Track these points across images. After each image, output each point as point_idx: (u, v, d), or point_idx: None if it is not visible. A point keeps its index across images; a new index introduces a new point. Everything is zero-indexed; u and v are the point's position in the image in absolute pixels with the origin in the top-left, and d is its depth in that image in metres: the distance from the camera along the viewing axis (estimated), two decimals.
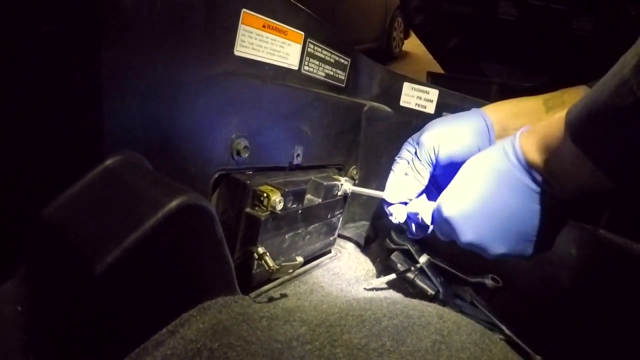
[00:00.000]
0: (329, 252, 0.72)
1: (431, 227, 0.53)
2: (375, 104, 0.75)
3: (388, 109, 0.75)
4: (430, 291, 0.63)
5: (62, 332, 0.34)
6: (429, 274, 0.63)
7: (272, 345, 0.35)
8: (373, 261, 0.72)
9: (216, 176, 0.50)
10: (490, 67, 1.18)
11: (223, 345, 0.34)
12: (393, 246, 0.68)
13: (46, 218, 0.36)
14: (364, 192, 0.64)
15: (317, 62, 0.62)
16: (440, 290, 0.62)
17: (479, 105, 0.57)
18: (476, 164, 0.46)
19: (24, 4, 0.37)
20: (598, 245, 0.53)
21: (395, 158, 0.57)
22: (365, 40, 3.92)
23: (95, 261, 0.31)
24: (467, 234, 0.45)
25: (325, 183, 0.60)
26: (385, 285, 0.66)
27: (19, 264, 0.37)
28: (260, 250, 0.51)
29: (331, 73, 0.66)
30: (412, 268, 0.64)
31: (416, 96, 0.73)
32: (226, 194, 0.53)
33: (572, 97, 0.51)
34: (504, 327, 0.55)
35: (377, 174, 0.76)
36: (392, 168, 0.57)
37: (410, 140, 0.57)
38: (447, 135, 0.52)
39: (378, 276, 0.69)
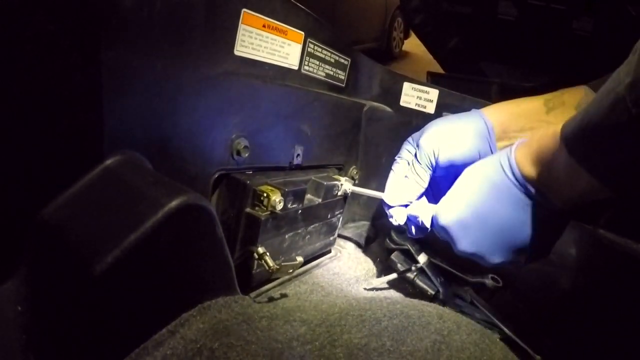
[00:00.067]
0: (329, 252, 0.72)
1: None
2: (375, 104, 0.75)
3: (388, 109, 0.75)
4: (430, 291, 0.63)
5: (62, 332, 0.34)
6: (429, 274, 0.63)
7: (272, 345, 0.35)
8: (373, 261, 0.72)
9: (216, 176, 0.50)
10: (490, 67, 1.18)
11: (223, 345, 0.34)
12: (393, 246, 0.68)
13: (46, 218, 0.36)
14: (364, 192, 0.64)
15: (317, 62, 0.62)
16: (440, 290, 0.62)
17: (479, 106, 0.57)
18: (473, 175, 0.47)
19: (24, 4, 0.37)
20: (598, 245, 0.53)
21: (395, 158, 0.57)
22: (365, 40, 3.92)
23: (95, 261, 0.31)
24: (463, 243, 0.47)
25: (325, 183, 0.60)
26: (385, 285, 0.66)
27: (19, 264, 0.37)
28: (260, 250, 0.51)
29: (331, 73, 0.66)
30: (412, 268, 0.64)
31: (416, 96, 0.73)
32: (226, 194, 0.53)
33: (572, 97, 0.51)
34: (504, 327, 0.55)
35: (377, 174, 0.76)
36: (392, 168, 0.57)
37: (410, 139, 0.57)
38: (447, 139, 0.52)
39: (378, 276, 0.69)
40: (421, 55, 4.09)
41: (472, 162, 0.49)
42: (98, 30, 0.35)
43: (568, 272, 0.57)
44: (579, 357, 0.54)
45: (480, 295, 0.61)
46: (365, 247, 0.76)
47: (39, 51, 0.38)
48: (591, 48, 0.89)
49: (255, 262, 0.51)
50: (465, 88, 0.73)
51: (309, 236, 0.61)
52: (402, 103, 0.74)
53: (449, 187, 0.50)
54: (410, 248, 0.65)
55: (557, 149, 0.38)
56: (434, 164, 0.52)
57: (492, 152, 0.51)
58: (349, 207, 0.74)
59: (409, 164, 0.55)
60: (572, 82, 0.53)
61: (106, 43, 0.36)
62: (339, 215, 0.67)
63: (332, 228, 0.67)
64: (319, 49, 0.61)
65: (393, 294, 0.65)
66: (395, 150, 0.58)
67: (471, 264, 0.50)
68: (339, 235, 0.74)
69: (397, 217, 0.55)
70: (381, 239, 0.74)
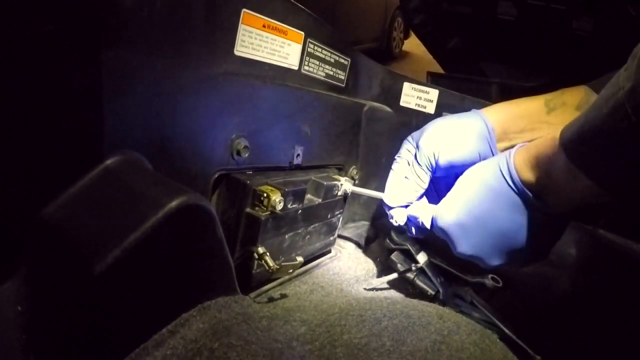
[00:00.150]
0: (329, 252, 0.72)
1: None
2: (375, 104, 0.75)
3: (388, 109, 0.75)
4: (430, 291, 0.63)
5: (62, 332, 0.34)
6: (429, 274, 0.63)
7: (272, 345, 0.35)
8: (373, 261, 0.72)
9: (216, 176, 0.50)
10: (490, 67, 1.18)
11: (223, 345, 0.34)
12: (393, 246, 0.68)
13: (46, 218, 0.36)
14: (364, 193, 0.64)
15: (317, 62, 0.62)
16: (440, 290, 0.62)
17: (479, 106, 0.57)
18: (473, 178, 0.47)
19: (24, 4, 0.37)
20: (598, 245, 0.53)
21: (395, 157, 0.57)
22: (365, 40, 3.92)
23: (95, 261, 0.31)
24: (463, 245, 0.47)
25: (325, 183, 0.60)
26: (385, 285, 0.66)
27: (19, 264, 0.37)
28: (260, 250, 0.51)
29: (331, 73, 0.66)
30: (412, 268, 0.64)
31: (416, 96, 0.73)
32: (226, 194, 0.53)
33: (573, 97, 0.51)
34: (504, 327, 0.55)
35: (377, 174, 0.76)
36: (392, 167, 0.57)
37: (409, 138, 0.56)
38: (447, 141, 0.51)
39: (378, 276, 0.69)
40: (421, 55, 4.09)
41: (473, 164, 0.49)
42: (98, 30, 0.35)
43: (568, 273, 0.57)
44: (579, 357, 0.54)
45: (480, 296, 0.62)
46: (365, 247, 0.76)
47: (39, 51, 0.38)
48: (591, 48, 0.89)
49: (255, 262, 0.51)
50: (465, 88, 0.73)
51: (309, 236, 0.61)
52: (402, 103, 0.74)
53: (449, 187, 0.50)
54: (410, 248, 0.65)
55: (556, 153, 0.38)
56: (434, 165, 0.52)
57: (492, 154, 0.51)
58: (349, 207, 0.74)
59: (408, 164, 0.55)
60: (572, 82, 0.53)
61: (106, 43, 0.36)
62: (339, 215, 0.67)
63: (332, 228, 0.67)
64: (319, 49, 0.61)
65: (393, 294, 0.65)
66: (395, 150, 0.58)
67: (471, 264, 0.50)
68: (339, 236, 0.74)
69: (397, 218, 0.56)
70: (381, 239, 0.74)
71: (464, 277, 0.63)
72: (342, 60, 0.67)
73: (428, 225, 0.52)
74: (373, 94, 0.76)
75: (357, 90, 0.73)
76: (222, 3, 0.45)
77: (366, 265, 0.71)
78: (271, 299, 0.55)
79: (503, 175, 0.44)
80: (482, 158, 0.51)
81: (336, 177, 0.65)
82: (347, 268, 0.69)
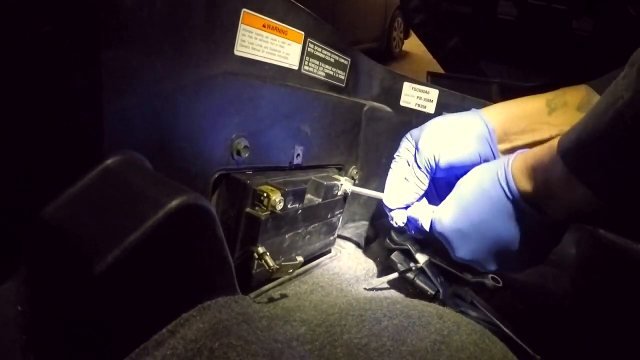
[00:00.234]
0: (329, 252, 0.72)
1: None
2: (376, 103, 0.75)
3: (388, 109, 0.75)
4: (430, 291, 0.63)
5: (62, 332, 0.34)
6: (429, 274, 0.63)
7: (272, 345, 0.35)
8: (373, 261, 0.72)
9: (216, 176, 0.50)
10: (490, 67, 1.18)
11: (223, 345, 0.34)
12: (393, 246, 0.68)
13: (46, 218, 0.36)
14: (363, 193, 0.64)
15: (317, 62, 0.62)
16: (440, 290, 0.62)
17: (479, 106, 0.57)
18: (471, 185, 0.47)
19: (24, 4, 0.37)
20: (598, 245, 0.53)
21: (394, 156, 0.57)
22: (365, 40, 3.92)
23: (95, 261, 0.31)
24: (461, 251, 0.48)
25: (325, 183, 0.60)
26: (385, 285, 0.66)
27: (19, 264, 0.37)
28: (261, 250, 0.51)
29: (331, 73, 0.66)
30: (412, 268, 0.64)
31: (416, 96, 0.73)
32: (226, 194, 0.53)
33: (574, 97, 0.51)
34: (504, 327, 0.55)
35: (377, 174, 0.76)
36: (391, 166, 0.57)
37: (408, 136, 0.56)
38: (447, 143, 0.51)
39: (378, 276, 0.69)
40: (421, 55, 4.09)
41: (473, 165, 0.49)
42: (98, 30, 0.35)
43: (568, 272, 0.57)
44: (579, 357, 0.54)
45: (480, 295, 0.61)
46: (365, 247, 0.76)
47: (39, 51, 0.38)
48: (591, 48, 0.89)
49: (255, 262, 0.51)
50: (465, 88, 0.73)
51: (309, 236, 0.61)
52: (402, 103, 0.74)
53: (449, 187, 0.50)
54: (410, 248, 0.65)
55: (553, 162, 0.38)
56: (434, 167, 0.52)
57: (493, 155, 0.51)
58: (348, 207, 0.74)
59: (408, 164, 0.55)
60: (573, 82, 0.53)
61: (106, 43, 0.36)
62: (338, 215, 0.67)
63: (332, 228, 0.67)
64: (319, 49, 0.61)
65: (393, 294, 0.65)
66: (395, 150, 0.58)
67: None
68: (339, 236, 0.74)
69: (397, 219, 0.56)
70: (381, 239, 0.74)
71: (464, 277, 0.63)
72: (342, 60, 0.67)
73: (427, 228, 0.52)
74: (373, 93, 0.76)
75: (357, 90, 0.73)
76: (222, 3, 0.45)
77: (366, 265, 0.71)
78: (271, 299, 0.55)
79: (501, 184, 0.44)
80: (482, 159, 0.51)
81: (336, 177, 0.65)
82: (347, 268, 0.69)
